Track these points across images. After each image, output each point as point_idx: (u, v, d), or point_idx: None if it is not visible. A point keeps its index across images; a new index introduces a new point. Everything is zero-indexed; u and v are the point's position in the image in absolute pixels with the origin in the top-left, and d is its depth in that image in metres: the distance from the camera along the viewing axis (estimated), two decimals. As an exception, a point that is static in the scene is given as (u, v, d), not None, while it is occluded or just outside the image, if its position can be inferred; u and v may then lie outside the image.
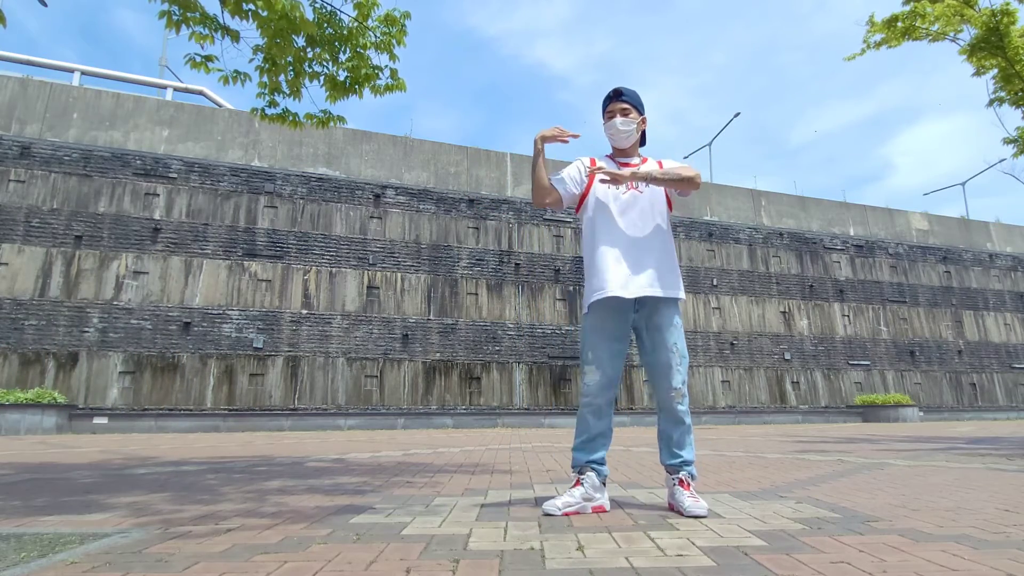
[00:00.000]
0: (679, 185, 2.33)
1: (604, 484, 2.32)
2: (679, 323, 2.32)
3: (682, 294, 2.33)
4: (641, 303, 2.30)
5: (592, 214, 2.39)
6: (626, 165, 2.40)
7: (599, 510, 2.23)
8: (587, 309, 2.33)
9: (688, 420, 2.30)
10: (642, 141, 2.51)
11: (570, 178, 2.41)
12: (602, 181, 2.31)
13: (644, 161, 2.47)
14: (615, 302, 2.27)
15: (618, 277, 2.24)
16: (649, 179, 2.27)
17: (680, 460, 2.28)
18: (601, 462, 2.32)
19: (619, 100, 2.40)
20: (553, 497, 2.25)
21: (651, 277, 2.26)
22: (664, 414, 2.32)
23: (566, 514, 2.14)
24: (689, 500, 2.14)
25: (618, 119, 2.38)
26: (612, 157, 2.49)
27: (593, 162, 2.46)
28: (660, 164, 2.43)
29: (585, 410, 2.30)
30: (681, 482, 2.23)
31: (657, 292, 2.26)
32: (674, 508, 2.22)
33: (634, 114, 2.40)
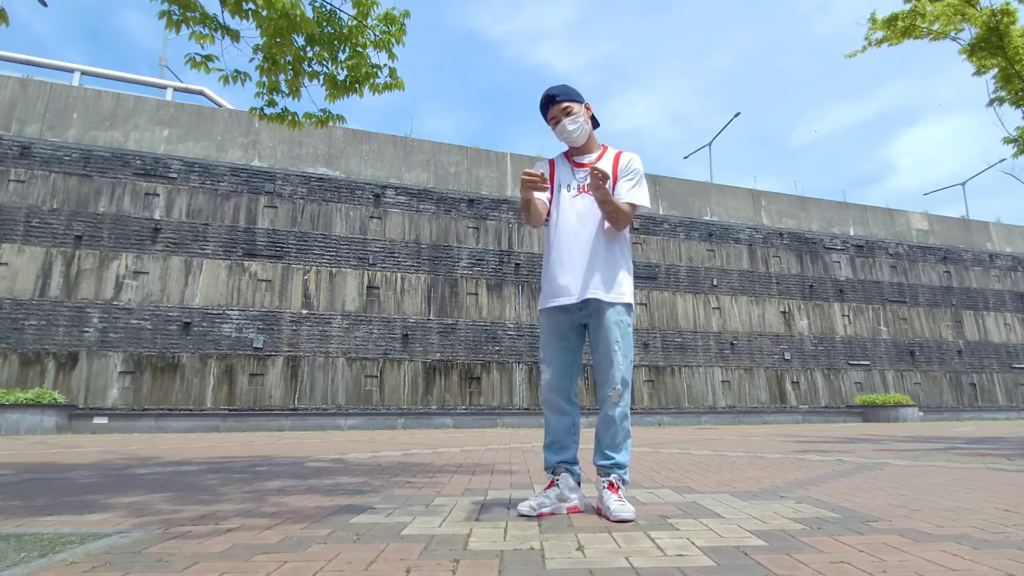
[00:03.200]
0: (613, 214, 2.24)
1: (579, 484, 2.31)
2: (626, 324, 2.25)
3: (629, 298, 2.26)
4: (586, 303, 2.25)
5: (553, 218, 2.35)
6: (580, 165, 2.35)
7: (573, 511, 2.21)
8: (540, 311, 2.35)
9: (626, 424, 2.24)
10: (595, 124, 2.43)
11: (542, 200, 2.34)
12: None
13: (604, 151, 2.39)
14: (562, 306, 2.27)
15: (564, 282, 2.24)
16: (600, 194, 2.19)
17: (612, 462, 2.22)
18: (573, 461, 2.31)
19: (556, 104, 2.31)
20: (530, 498, 2.22)
21: (596, 280, 2.22)
22: (601, 413, 2.26)
23: (541, 515, 2.12)
24: (615, 503, 2.09)
25: (564, 121, 2.30)
26: (568, 155, 2.42)
27: (552, 164, 2.42)
28: (617, 156, 2.37)
29: (544, 408, 2.33)
30: (611, 485, 2.17)
31: (600, 295, 2.22)
32: (601, 512, 2.15)
33: (576, 107, 2.31)
